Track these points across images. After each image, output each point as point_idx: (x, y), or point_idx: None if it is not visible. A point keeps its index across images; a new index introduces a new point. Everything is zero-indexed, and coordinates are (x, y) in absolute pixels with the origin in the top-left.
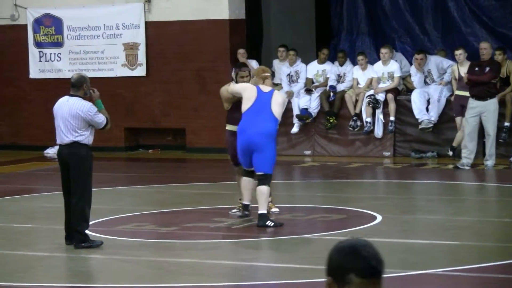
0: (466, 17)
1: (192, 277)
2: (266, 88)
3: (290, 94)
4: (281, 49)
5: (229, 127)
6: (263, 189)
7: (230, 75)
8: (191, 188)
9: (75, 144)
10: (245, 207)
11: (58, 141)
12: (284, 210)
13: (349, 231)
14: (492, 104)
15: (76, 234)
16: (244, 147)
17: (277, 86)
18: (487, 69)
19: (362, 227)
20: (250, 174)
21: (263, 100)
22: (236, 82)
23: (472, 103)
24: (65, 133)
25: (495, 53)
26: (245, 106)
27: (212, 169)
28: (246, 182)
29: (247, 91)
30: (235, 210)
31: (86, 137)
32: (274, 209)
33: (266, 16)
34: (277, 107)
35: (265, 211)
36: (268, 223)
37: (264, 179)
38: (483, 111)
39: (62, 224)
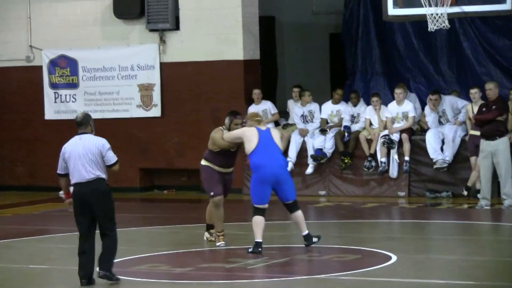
0: (481, 57)
1: None
2: (262, 127)
3: (305, 132)
4: (295, 89)
5: (212, 166)
6: (301, 213)
7: (224, 122)
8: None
9: (98, 180)
10: (259, 244)
11: (75, 180)
12: (299, 250)
13: (364, 271)
14: (502, 143)
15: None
16: (269, 180)
17: (291, 126)
18: (494, 107)
19: (377, 267)
20: (263, 212)
21: (266, 137)
22: (229, 129)
23: (483, 143)
24: (87, 170)
25: (510, 93)
26: (251, 146)
27: (226, 210)
28: (260, 220)
29: (247, 133)
30: (218, 242)
31: (105, 172)
32: (220, 243)
33: (280, 57)
34: (279, 141)
35: (307, 231)
36: (314, 239)
37: (296, 205)
38: (494, 151)
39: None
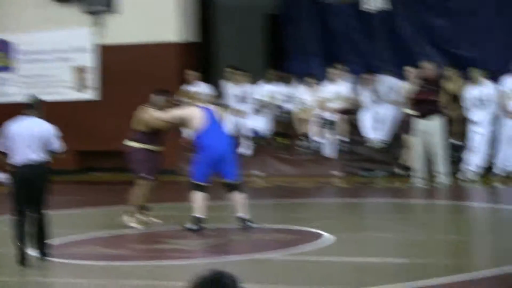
0: (416, 37)
1: None
2: (204, 105)
3: (240, 113)
4: (229, 70)
5: (145, 146)
6: (244, 196)
7: (152, 101)
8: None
9: (42, 163)
10: (201, 220)
11: (19, 161)
12: (236, 230)
13: (300, 251)
14: (436, 122)
15: (44, 246)
16: (216, 160)
17: (227, 107)
18: (430, 87)
19: (313, 247)
20: (205, 189)
21: (211, 116)
22: (158, 106)
23: (417, 122)
24: (33, 152)
25: (446, 69)
26: (197, 125)
27: (162, 191)
28: (202, 197)
29: (192, 113)
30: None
31: (48, 155)
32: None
33: (217, 38)
34: (224, 120)
35: (245, 215)
36: (250, 223)
37: (239, 186)
38: (428, 130)
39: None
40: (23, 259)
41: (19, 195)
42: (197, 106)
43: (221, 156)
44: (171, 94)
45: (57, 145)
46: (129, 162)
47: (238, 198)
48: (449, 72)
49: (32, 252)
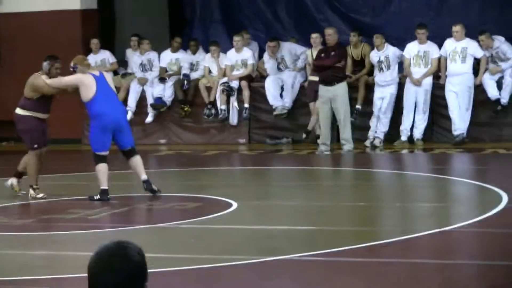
0: (319, 3)
1: (46, 270)
2: (96, 72)
3: (144, 81)
4: (133, 38)
5: (36, 114)
6: (139, 158)
7: (44, 68)
8: (46, 180)
9: None
10: (106, 191)
11: None
12: (140, 199)
13: (205, 219)
14: (340, 89)
15: None
16: (111, 128)
17: (130, 75)
18: (332, 53)
19: (218, 214)
20: (106, 159)
21: (102, 83)
22: (49, 74)
23: (321, 88)
24: None
25: (350, 35)
26: (90, 93)
27: (68, 161)
28: (104, 166)
29: (84, 80)
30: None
31: None
32: (42, 195)
33: (119, 6)
34: (113, 86)
35: (146, 177)
36: (155, 188)
37: (134, 151)
38: (332, 96)
39: None
40: None
41: None
42: (89, 73)
43: (115, 124)
44: (59, 59)
45: None
46: (19, 131)
47: (137, 161)
48: (354, 37)
49: None
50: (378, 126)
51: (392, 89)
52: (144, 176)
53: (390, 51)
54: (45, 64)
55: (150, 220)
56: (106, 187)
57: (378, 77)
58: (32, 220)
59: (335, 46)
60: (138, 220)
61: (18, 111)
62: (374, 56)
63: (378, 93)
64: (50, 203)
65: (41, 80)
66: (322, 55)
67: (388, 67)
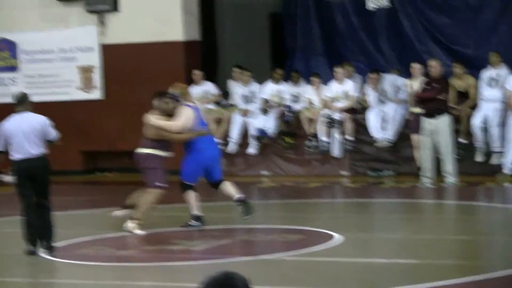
0: (421, 35)
1: None
2: (193, 104)
3: (246, 113)
4: (236, 69)
5: (160, 152)
6: (227, 182)
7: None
8: (149, 211)
9: (43, 156)
10: (200, 218)
11: (21, 156)
12: (242, 231)
13: (308, 251)
14: (442, 121)
15: (47, 244)
16: (207, 164)
17: (233, 106)
18: (436, 86)
19: (321, 247)
20: (193, 188)
21: (199, 116)
22: (165, 112)
23: (424, 121)
24: (32, 147)
25: (454, 66)
26: (190, 127)
27: (170, 191)
28: (195, 194)
29: (190, 115)
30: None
31: (46, 147)
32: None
33: (221, 37)
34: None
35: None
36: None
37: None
38: (435, 129)
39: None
40: (32, 252)
41: (24, 189)
42: (188, 105)
43: (212, 160)
44: (166, 93)
45: (53, 134)
46: (143, 169)
47: (227, 183)
48: (457, 69)
49: (40, 251)
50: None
51: (497, 105)
52: (238, 196)
53: (503, 68)
54: (156, 102)
55: (253, 252)
56: (199, 213)
57: (488, 92)
58: (136, 251)
59: (438, 78)
60: (240, 251)
61: (141, 150)
62: (487, 71)
63: (483, 110)
64: (152, 234)
65: (160, 126)
66: (426, 87)
67: (497, 85)
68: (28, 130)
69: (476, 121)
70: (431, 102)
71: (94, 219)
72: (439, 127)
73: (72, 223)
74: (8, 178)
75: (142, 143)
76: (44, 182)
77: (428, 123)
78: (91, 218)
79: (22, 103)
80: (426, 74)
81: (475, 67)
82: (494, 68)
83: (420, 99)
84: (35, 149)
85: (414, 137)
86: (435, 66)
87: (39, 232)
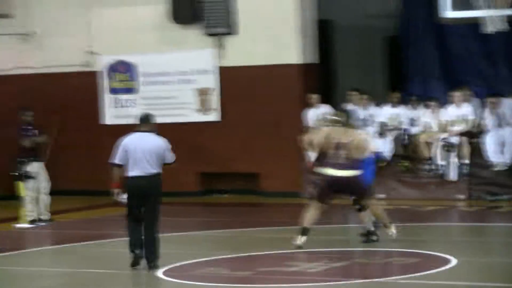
0: None
1: None
2: None
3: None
4: (353, 93)
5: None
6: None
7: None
8: (265, 233)
9: (158, 175)
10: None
11: (137, 173)
12: (358, 254)
13: (424, 274)
14: None
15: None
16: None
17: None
18: None
19: (437, 271)
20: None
21: None
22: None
23: None
24: (150, 165)
25: None
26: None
27: (285, 213)
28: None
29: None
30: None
31: (161, 167)
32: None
33: (338, 60)
34: None
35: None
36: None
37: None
38: None
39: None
40: (136, 263)
41: (134, 206)
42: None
43: None
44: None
45: (170, 157)
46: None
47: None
48: None
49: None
50: None
51: None
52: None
53: None
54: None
55: (369, 274)
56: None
57: None
58: (251, 272)
59: None
60: (355, 274)
61: (352, 172)
62: None
63: None
64: (269, 256)
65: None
66: None
67: None
68: (147, 149)
69: None
70: None
71: (211, 240)
72: None
73: (189, 243)
74: (124, 198)
75: (345, 165)
76: (153, 201)
77: None
78: (208, 239)
79: (145, 123)
80: None
81: None
82: None
83: None
84: (149, 168)
85: None
86: None
87: (141, 244)
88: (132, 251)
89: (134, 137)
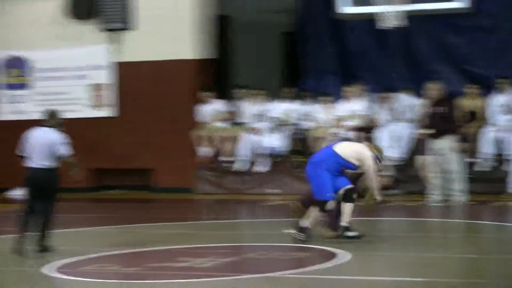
0: (434, 54)
1: None
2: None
3: (258, 131)
4: (242, 90)
5: None
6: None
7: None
8: (156, 228)
9: (51, 169)
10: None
11: (33, 165)
12: (248, 249)
13: (313, 269)
14: (449, 141)
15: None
16: None
17: (244, 125)
18: (438, 108)
19: (325, 265)
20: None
21: None
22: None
23: (431, 141)
24: (44, 158)
25: (469, 87)
26: None
27: (178, 209)
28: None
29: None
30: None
31: (57, 162)
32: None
33: (233, 56)
34: None
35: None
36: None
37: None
38: (442, 149)
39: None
40: (20, 250)
41: (31, 195)
42: None
43: None
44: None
45: (64, 150)
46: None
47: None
48: (469, 89)
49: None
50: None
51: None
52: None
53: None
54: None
55: (258, 270)
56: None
57: (501, 118)
58: (140, 268)
59: (441, 100)
60: (246, 269)
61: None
62: (497, 98)
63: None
64: (159, 252)
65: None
66: (432, 107)
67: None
68: (42, 143)
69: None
70: (436, 123)
71: (101, 236)
72: (446, 147)
73: (78, 240)
74: (16, 193)
75: None
76: (49, 192)
77: (434, 143)
78: (97, 235)
79: (49, 118)
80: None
81: (486, 87)
82: (504, 95)
83: (425, 120)
84: (43, 161)
85: (419, 158)
86: (434, 89)
87: (32, 237)
88: (19, 237)
89: (35, 131)
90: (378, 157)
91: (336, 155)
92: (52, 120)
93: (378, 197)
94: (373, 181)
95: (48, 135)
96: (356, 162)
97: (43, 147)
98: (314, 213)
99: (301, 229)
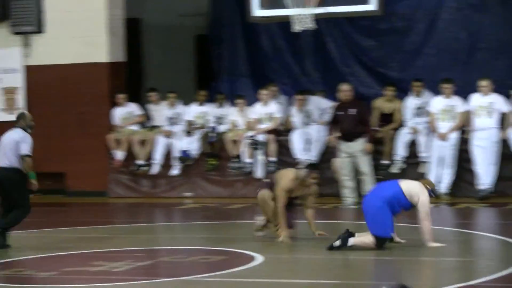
0: (346, 57)
1: None
2: None
3: (170, 134)
4: (151, 93)
5: None
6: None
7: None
8: (71, 233)
9: (13, 169)
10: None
11: (1, 163)
12: (164, 252)
13: (230, 272)
14: (360, 144)
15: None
16: None
17: (157, 128)
18: (350, 110)
19: (243, 268)
20: None
21: None
22: (303, 182)
23: (343, 144)
24: (7, 157)
25: (386, 89)
26: None
27: (93, 213)
28: None
29: None
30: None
31: (20, 162)
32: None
33: (146, 59)
34: None
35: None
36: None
37: None
38: (353, 152)
39: None
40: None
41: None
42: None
43: None
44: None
45: (23, 150)
46: None
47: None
48: (388, 92)
49: None
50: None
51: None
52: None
53: (427, 96)
54: (303, 172)
55: (175, 273)
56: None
57: (415, 120)
58: (55, 272)
59: (353, 101)
60: (162, 273)
61: None
62: (412, 100)
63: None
64: (74, 256)
65: (288, 183)
66: (337, 113)
67: (423, 113)
68: (6, 142)
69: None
70: (348, 126)
71: (16, 241)
72: (356, 150)
73: None
74: None
75: None
76: (11, 193)
77: (346, 146)
78: (12, 240)
79: (18, 120)
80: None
81: (399, 90)
82: (418, 97)
83: (336, 123)
84: (6, 160)
85: (334, 161)
86: (346, 90)
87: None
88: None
89: (7, 132)
90: (433, 191)
91: (401, 194)
92: (22, 121)
93: (430, 243)
94: (427, 222)
95: (13, 135)
96: (412, 201)
97: (7, 146)
98: (367, 242)
99: (344, 244)
